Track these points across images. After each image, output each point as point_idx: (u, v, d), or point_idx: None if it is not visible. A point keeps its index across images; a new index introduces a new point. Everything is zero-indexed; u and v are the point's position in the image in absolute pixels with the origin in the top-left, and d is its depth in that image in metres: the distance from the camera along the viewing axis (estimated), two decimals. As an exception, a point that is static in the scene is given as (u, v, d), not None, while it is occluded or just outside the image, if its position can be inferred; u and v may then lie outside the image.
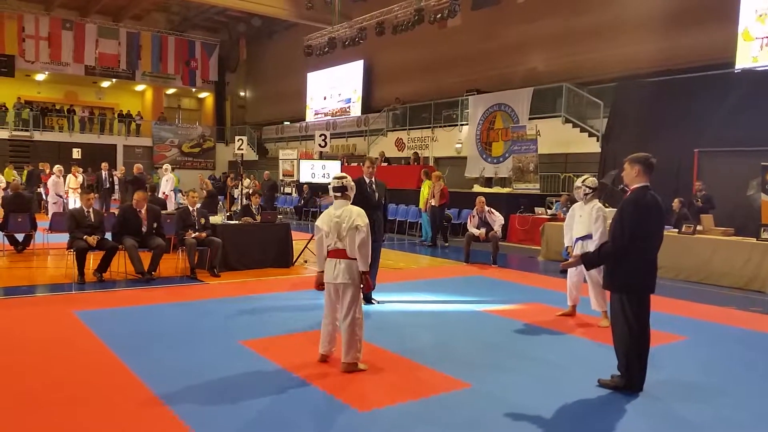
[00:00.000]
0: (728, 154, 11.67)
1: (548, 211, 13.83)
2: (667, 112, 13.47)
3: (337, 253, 4.71)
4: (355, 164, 21.10)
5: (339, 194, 4.80)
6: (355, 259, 4.65)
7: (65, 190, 15.99)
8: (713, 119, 12.38)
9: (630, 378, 4.43)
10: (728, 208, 10.91)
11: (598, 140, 15.19)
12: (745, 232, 9.61)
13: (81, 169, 17.68)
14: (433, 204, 13.46)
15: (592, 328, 6.36)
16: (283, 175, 23.70)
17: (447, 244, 13.60)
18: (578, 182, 6.66)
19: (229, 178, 21.74)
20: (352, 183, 4.90)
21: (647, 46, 16.09)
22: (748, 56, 13.36)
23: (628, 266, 4.36)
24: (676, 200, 11.00)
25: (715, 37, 14.23)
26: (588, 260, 4.85)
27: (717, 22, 14.25)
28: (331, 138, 18.66)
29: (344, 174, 4.93)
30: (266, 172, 21.63)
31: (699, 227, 9.92)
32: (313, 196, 19.22)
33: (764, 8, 13.17)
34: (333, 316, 4.88)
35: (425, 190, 14.16)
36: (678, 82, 13.92)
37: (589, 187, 6.51)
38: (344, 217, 4.68)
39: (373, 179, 7.05)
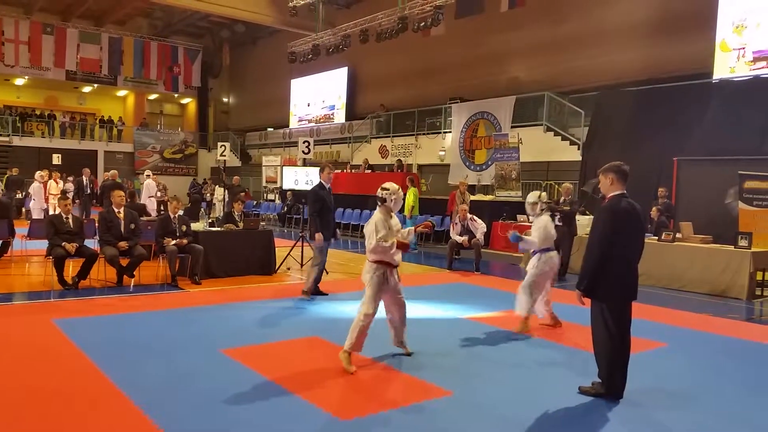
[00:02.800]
0: (707, 162, 11.85)
1: (530, 218, 13.89)
2: (647, 121, 13.64)
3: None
4: (339, 171, 21.13)
5: (378, 204, 5.23)
6: (372, 261, 5.09)
7: (45, 196, 15.80)
8: (692, 128, 12.56)
9: (610, 385, 4.46)
10: (707, 216, 11.06)
11: (579, 149, 15.35)
12: (723, 240, 9.75)
13: (59, 174, 17.49)
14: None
15: (573, 335, 6.40)
16: (267, 181, 23.62)
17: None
18: (533, 197, 6.79)
19: (206, 185, 21.66)
20: (398, 195, 5.23)
21: (628, 56, 16.31)
22: (725, 67, 13.62)
23: (607, 275, 4.36)
24: (654, 208, 11.13)
25: (694, 48, 14.48)
26: (579, 284, 4.52)
27: (696, 33, 14.50)
28: (314, 145, 18.66)
29: (389, 185, 5.26)
30: (236, 177, 21.46)
31: (678, 235, 10.05)
32: (296, 202, 19.16)
33: (740, 20, 13.43)
34: (387, 309, 5.36)
35: (410, 197, 14.19)
36: (658, 91, 14.11)
37: (545, 203, 6.83)
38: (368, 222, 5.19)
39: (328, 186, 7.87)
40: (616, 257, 4.35)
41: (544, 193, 6.93)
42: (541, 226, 6.59)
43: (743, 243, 9.19)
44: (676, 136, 12.78)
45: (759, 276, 9.23)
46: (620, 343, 4.43)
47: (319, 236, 7.61)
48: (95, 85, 31.43)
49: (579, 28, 17.54)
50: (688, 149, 12.27)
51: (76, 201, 17.18)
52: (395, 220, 5.26)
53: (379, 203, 5.24)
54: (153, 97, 33.99)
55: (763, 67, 13.08)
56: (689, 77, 13.90)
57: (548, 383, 4.87)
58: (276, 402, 4.24)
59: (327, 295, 8.07)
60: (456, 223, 11.20)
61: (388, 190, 5.21)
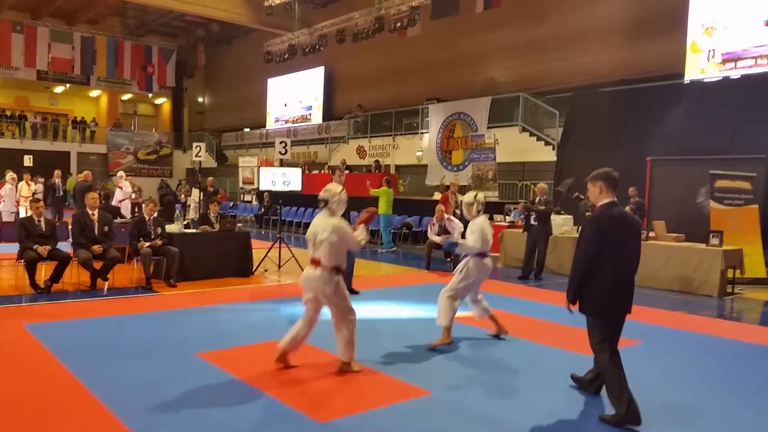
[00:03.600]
0: (679, 162, 12.05)
1: (507, 218, 14.02)
2: (621, 121, 13.84)
3: (313, 261, 4.86)
4: (317, 172, 21.08)
5: (321, 205, 4.94)
6: (329, 269, 4.76)
7: (16, 198, 15.47)
8: (665, 128, 12.78)
9: (617, 410, 4.13)
10: (679, 214, 11.25)
11: (554, 149, 15.51)
12: (696, 238, 9.93)
13: (30, 176, 17.13)
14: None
15: (548, 333, 6.47)
16: (243, 182, 23.45)
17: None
18: (470, 198, 6.15)
19: (180, 186, 21.36)
20: (340, 197, 4.92)
21: (602, 58, 16.53)
22: (696, 68, 13.87)
23: (596, 287, 4.13)
24: (627, 207, 11.28)
25: (666, 50, 14.72)
26: (567, 293, 4.27)
27: (668, 34, 14.74)
28: (291, 145, 18.54)
29: (330, 186, 5.02)
30: (209, 178, 21.25)
31: (651, 233, 10.22)
32: (274, 204, 19.06)
33: (710, 22, 13.68)
34: (305, 318, 5.00)
35: (382, 198, 14.24)
36: (631, 92, 14.32)
37: (482, 204, 6.13)
38: (319, 227, 4.84)
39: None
40: (605, 269, 4.08)
41: (481, 194, 6.28)
42: (476, 229, 5.93)
43: (715, 241, 9.38)
44: (648, 136, 12.99)
45: (729, 273, 9.42)
46: (609, 360, 4.19)
47: None
48: (67, 85, 30.91)
49: (553, 30, 17.71)
50: (661, 149, 12.47)
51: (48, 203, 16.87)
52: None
53: (321, 205, 4.95)
54: (126, 97, 33.54)
55: (732, 69, 13.35)
56: (661, 78, 14.15)
57: (527, 382, 4.91)
58: (254, 405, 4.22)
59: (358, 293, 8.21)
60: (433, 224, 11.24)
61: (330, 191, 4.92)
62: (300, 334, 4.99)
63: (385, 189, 14.43)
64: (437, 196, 16.64)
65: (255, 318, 6.92)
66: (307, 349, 5.35)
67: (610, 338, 4.21)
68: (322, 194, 4.94)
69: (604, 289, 4.10)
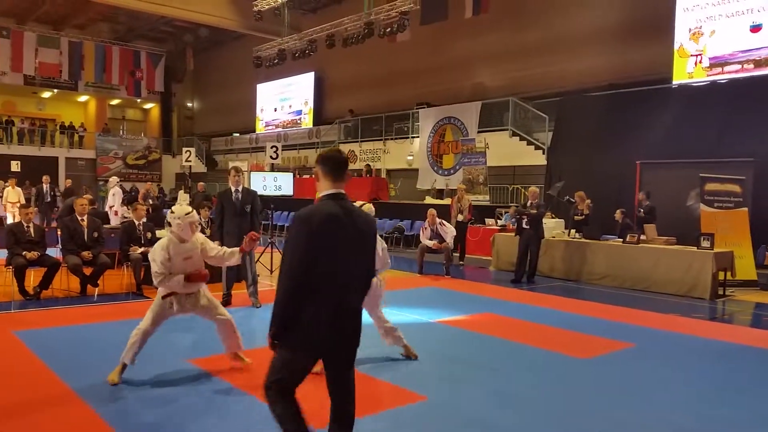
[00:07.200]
0: (668, 165, 12.12)
1: (498, 222, 14.04)
2: (610, 125, 13.92)
3: None
4: (307, 176, 21.04)
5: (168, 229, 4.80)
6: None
7: (2, 204, 15.33)
8: (654, 132, 12.87)
9: None
10: (670, 217, 11.31)
11: (544, 153, 15.57)
12: (686, 241, 9.97)
13: (15, 181, 17.00)
14: (460, 220, 12.29)
15: (542, 336, 6.46)
16: (233, 187, 23.38)
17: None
18: None
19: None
20: (183, 220, 4.63)
21: (590, 62, 16.63)
22: (684, 72, 14.00)
23: (304, 313, 2.96)
24: (618, 211, 11.29)
25: (654, 54, 14.85)
26: (270, 326, 3.02)
27: (656, 39, 14.87)
28: (282, 150, 18.52)
29: (176, 208, 4.74)
30: (200, 183, 21.13)
31: (642, 237, 10.26)
32: (265, 208, 18.96)
33: (696, 27, 13.81)
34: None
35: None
36: (620, 96, 14.42)
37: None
38: None
39: (239, 188, 7.62)
40: (314, 287, 2.91)
41: (367, 206, 5.00)
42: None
43: (705, 244, 9.41)
44: (637, 139, 13.08)
45: (721, 276, 9.46)
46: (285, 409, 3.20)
47: None
48: (55, 91, 30.68)
49: (542, 35, 17.81)
50: (650, 152, 12.55)
51: (36, 209, 16.74)
52: (191, 245, 4.73)
53: (168, 228, 4.70)
54: (115, 102, 33.33)
55: (719, 73, 13.47)
56: (650, 82, 14.25)
57: (522, 385, 4.89)
58: (248, 412, 4.17)
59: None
60: (426, 228, 11.25)
61: (174, 213, 4.65)
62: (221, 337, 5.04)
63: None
64: (429, 200, 16.66)
65: (246, 323, 6.86)
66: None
67: (294, 380, 3.23)
68: (167, 216, 4.71)
69: (309, 315, 2.94)
